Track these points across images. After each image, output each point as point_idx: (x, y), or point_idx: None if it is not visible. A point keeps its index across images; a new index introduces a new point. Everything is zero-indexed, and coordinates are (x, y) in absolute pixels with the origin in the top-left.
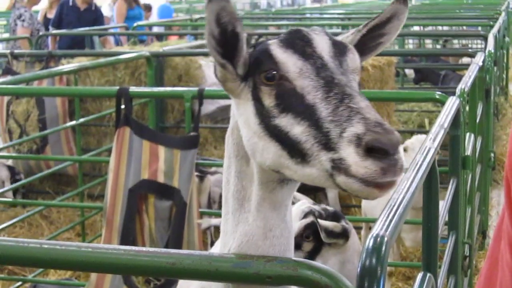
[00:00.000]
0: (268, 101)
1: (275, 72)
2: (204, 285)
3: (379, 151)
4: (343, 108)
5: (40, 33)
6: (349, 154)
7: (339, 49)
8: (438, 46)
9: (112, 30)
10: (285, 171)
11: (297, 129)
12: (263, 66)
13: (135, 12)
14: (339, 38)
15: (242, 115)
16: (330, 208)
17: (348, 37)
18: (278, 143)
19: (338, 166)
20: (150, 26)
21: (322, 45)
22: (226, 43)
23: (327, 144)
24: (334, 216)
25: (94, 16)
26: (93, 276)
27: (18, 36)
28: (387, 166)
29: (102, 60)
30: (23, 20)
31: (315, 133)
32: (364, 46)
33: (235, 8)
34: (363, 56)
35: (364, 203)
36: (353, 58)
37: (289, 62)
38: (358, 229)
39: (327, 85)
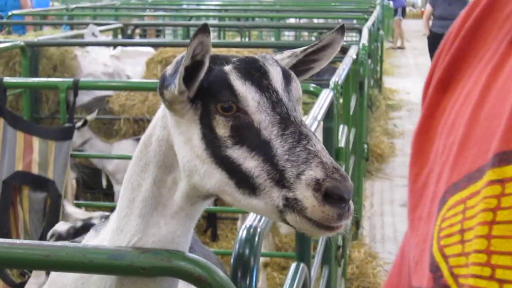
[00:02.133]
0: (222, 131)
1: (233, 104)
2: (83, 278)
3: (335, 196)
4: (300, 149)
5: None
6: (307, 198)
7: (286, 79)
8: (314, 39)
9: None
10: (225, 197)
11: (250, 163)
12: (221, 97)
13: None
14: (277, 58)
15: (183, 135)
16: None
17: (284, 59)
18: (225, 172)
19: (292, 206)
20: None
21: (276, 77)
22: (187, 70)
23: (281, 182)
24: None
25: None
26: None
27: None
28: (342, 212)
29: None
30: None
31: (269, 169)
32: (295, 69)
33: (210, 42)
34: None
35: None
36: (296, 87)
37: (248, 96)
38: (234, 219)
39: (283, 121)
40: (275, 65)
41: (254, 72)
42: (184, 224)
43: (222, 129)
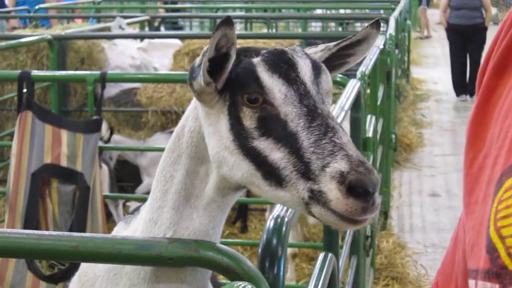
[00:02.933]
0: (249, 122)
1: (259, 96)
2: (116, 269)
3: (360, 190)
4: (326, 141)
5: None
6: (331, 190)
7: (316, 71)
8: (340, 29)
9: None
10: (253, 188)
11: (276, 155)
12: (248, 88)
13: None
14: (310, 52)
15: (212, 126)
16: None
17: (316, 53)
18: (252, 163)
19: (317, 198)
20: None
21: (304, 69)
22: (214, 62)
23: (307, 174)
24: None
25: None
26: None
27: None
28: (367, 206)
29: (3, 43)
30: None
31: (295, 161)
32: (329, 63)
33: (235, 34)
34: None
35: None
36: (326, 79)
37: (275, 88)
38: (263, 211)
39: (310, 114)
40: (305, 57)
41: (282, 64)
42: (216, 216)
43: (248, 120)
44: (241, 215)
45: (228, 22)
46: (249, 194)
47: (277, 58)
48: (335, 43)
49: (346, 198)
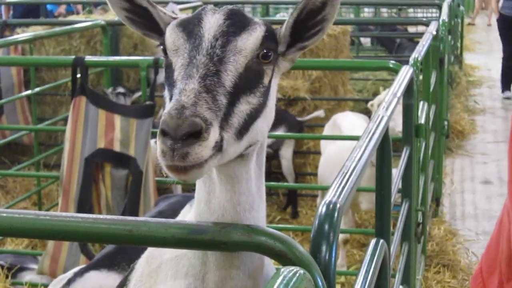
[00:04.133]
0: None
1: (162, 47)
2: (179, 254)
3: (165, 129)
4: (178, 88)
5: None
6: (159, 133)
7: (234, 29)
8: (394, 15)
9: None
10: None
11: (167, 99)
12: (162, 40)
13: None
14: (285, 18)
15: None
16: None
17: (289, 22)
18: None
19: None
20: None
21: (210, 25)
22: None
23: None
24: None
25: None
26: (50, 245)
27: None
28: (166, 149)
29: (57, 29)
30: None
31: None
32: (307, 31)
33: None
34: (307, 40)
35: (320, 171)
36: (246, 37)
37: (169, 40)
38: (314, 196)
39: (188, 64)
40: (219, 14)
41: (192, 20)
42: (235, 190)
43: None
44: (291, 201)
45: None
46: (298, 179)
47: (193, 16)
48: (294, 10)
49: (159, 139)
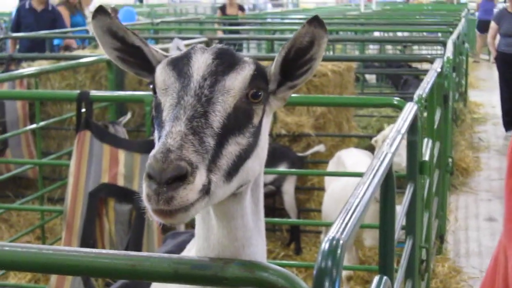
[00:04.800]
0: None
1: (152, 86)
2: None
3: (150, 174)
4: (165, 130)
5: (0, 36)
6: (144, 177)
7: (223, 68)
8: (398, 52)
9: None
10: None
11: (156, 140)
12: (152, 79)
13: (77, 19)
14: (277, 56)
15: None
16: None
17: (277, 60)
18: None
19: None
20: None
21: (198, 64)
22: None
23: None
24: None
25: (52, 17)
26: (53, 279)
27: None
28: (151, 193)
29: (62, 63)
30: None
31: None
32: (297, 70)
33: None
34: (297, 79)
35: (324, 207)
36: (234, 77)
37: (159, 79)
38: (318, 233)
39: (176, 104)
40: (208, 53)
41: (182, 59)
42: (232, 227)
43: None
44: (294, 237)
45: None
46: (301, 215)
47: (183, 54)
48: (282, 48)
49: (144, 182)
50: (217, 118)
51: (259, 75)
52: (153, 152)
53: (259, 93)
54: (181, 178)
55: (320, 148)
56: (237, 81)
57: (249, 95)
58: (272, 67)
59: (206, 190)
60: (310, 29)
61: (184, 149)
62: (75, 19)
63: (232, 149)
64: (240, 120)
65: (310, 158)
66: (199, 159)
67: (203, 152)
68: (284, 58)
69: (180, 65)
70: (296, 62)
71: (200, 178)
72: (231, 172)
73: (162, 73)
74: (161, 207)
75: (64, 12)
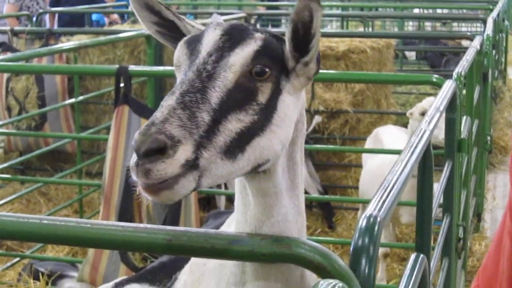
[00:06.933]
0: None
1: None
2: (222, 263)
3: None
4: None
5: (40, 10)
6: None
7: (230, 44)
8: (438, 28)
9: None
10: None
11: None
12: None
13: None
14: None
15: None
16: None
17: (287, 36)
18: None
19: None
20: None
21: (207, 41)
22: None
23: None
24: None
25: None
26: (90, 253)
27: (17, 13)
28: (133, 165)
29: (101, 38)
30: None
31: None
32: (308, 45)
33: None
34: (307, 55)
35: (361, 184)
36: (238, 52)
37: (175, 56)
38: (355, 210)
39: (181, 81)
40: (219, 29)
41: (197, 37)
42: (266, 203)
43: None
44: (325, 213)
45: None
46: (338, 192)
47: (200, 32)
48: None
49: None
50: (215, 94)
51: (267, 52)
52: (142, 127)
53: (265, 70)
54: (161, 151)
55: (318, 119)
56: (238, 57)
57: (252, 72)
58: (286, 44)
59: (193, 166)
60: (306, 3)
61: (167, 122)
62: None
63: (232, 126)
64: (242, 97)
65: (348, 135)
66: (184, 134)
67: (191, 127)
68: (295, 35)
69: (194, 42)
70: (307, 37)
71: (183, 152)
72: (233, 150)
73: (178, 51)
74: (140, 179)
75: None
